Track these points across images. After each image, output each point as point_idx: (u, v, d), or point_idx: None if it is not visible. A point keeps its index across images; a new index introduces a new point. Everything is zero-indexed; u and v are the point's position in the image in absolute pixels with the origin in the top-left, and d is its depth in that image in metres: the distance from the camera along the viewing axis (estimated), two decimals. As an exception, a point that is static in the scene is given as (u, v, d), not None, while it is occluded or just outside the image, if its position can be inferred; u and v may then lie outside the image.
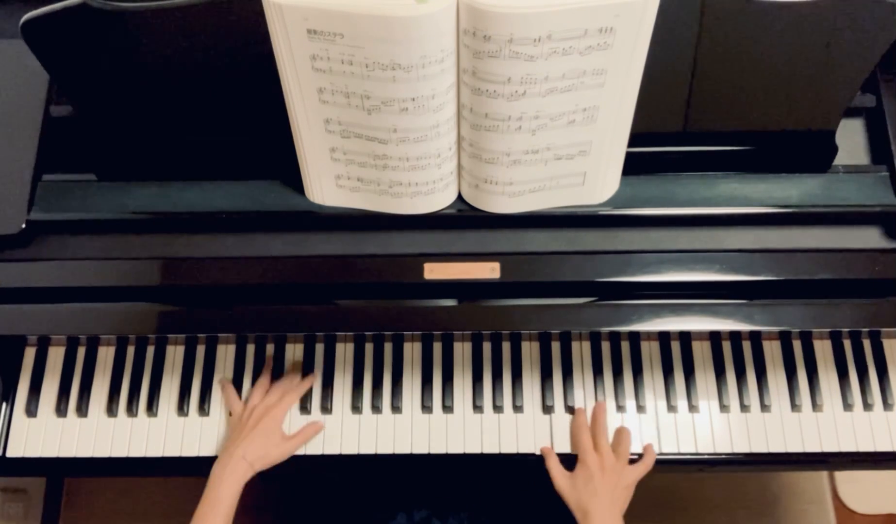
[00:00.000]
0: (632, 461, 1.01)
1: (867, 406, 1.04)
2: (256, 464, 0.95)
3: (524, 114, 0.80)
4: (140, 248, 0.94)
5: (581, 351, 1.08)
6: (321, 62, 0.77)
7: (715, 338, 1.08)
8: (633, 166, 0.92)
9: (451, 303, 0.96)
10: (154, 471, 1.04)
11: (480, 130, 0.83)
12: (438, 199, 0.92)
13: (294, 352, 1.08)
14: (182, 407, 1.05)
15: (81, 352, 1.08)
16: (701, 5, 0.83)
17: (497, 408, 1.04)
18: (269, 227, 0.95)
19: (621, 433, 1.01)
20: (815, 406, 1.04)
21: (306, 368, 1.07)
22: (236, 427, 0.99)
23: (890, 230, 0.94)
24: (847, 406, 1.04)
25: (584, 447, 0.99)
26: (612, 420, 1.04)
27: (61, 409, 1.04)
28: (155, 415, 1.05)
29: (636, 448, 1.02)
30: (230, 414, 1.03)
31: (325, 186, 0.92)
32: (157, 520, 1.65)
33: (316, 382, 1.06)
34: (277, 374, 1.06)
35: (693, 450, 1.03)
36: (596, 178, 0.90)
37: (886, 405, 1.04)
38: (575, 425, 1.02)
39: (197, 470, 1.04)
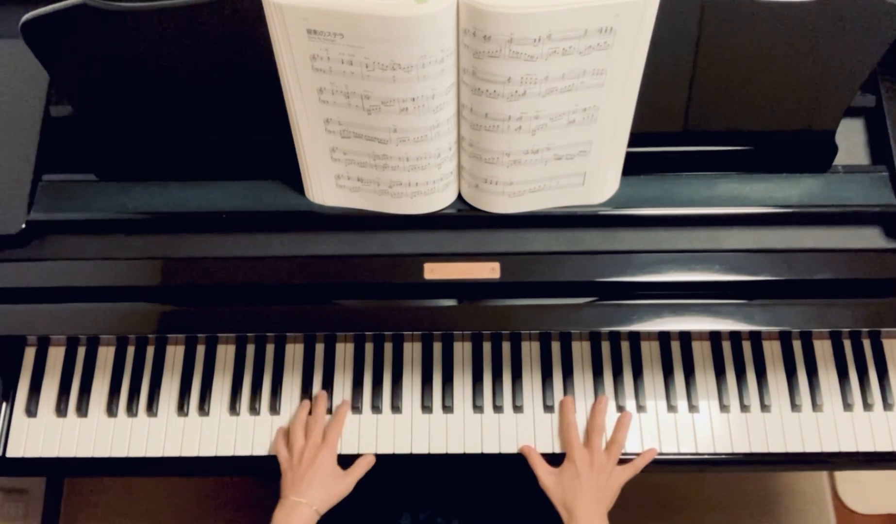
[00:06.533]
0: (622, 461, 1.00)
1: (867, 406, 1.04)
2: (321, 508, 0.95)
3: (524, 114, 0.80)
4: (140, 248, 0.94)
5: (581, 351, 1.07)
6: (321, 62, 0.77)
7: (715, 338, 1.08)
8: (633, 166, 0.92)
9: (451, 303, 0.96)
10: (154, 471, 1.04)
11: (480, 130, 0.83)
12: (438, 199, 0.92)
13: (294, 352, 1.08)
14: (182, 407, 1.05)
15: (81, 352, 1.08)
16: (701, 5, 0.83)
17: (497, 409, 1.04)
18: (269, 227, 0.95)
19: (617, 431, 1.01)
20: (815, 406, 1.04)
21: (306, 368, 1.06)
22: (289, 472, 0.97)
23: (890, 230, 0.94)
24: (847, 406, 1.04)
25: (572, 443, 0.98)
26: (612, 420, 1.04)
27: (61, 409, 1.04)
28: (155, 415, 1.05)
29: (634, 448, 1.02)
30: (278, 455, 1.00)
31: (325, 186, 0.92)
32: (157, 520, 1.65)
33: (316, 382, 1.06)
34: (278, 376, 1.06)
35: (693, 450, 1.03)
36: (596, 178, 0.90)
37: (886, 405, 1.04)
38: (563, 421, 1.02)
39: (197, 470, 1.05)
